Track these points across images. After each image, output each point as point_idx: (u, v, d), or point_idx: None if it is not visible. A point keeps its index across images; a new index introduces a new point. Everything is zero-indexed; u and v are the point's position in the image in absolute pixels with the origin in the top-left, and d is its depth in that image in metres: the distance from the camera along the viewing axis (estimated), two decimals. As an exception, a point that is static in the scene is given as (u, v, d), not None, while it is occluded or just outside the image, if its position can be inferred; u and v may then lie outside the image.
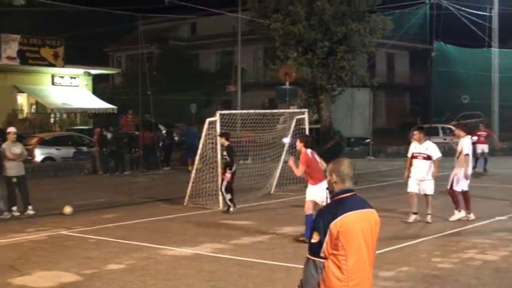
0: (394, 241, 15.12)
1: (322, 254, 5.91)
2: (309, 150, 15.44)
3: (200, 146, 22.09)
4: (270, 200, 22.61)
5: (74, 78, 52.99)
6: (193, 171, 22.15)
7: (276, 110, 26.86)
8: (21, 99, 51.78)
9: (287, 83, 31.44)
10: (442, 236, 15.90)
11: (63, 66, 49.89)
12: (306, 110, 25.31)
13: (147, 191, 26.14)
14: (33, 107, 52.56)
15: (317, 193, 14.94)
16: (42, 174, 31.28)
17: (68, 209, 19.91)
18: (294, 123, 24.83)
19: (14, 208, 19.90)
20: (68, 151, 36.45)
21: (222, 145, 20.83)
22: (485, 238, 15.51)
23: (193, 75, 65.94)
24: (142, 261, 13.62)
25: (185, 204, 21.68)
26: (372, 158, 39.94)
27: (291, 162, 15.67)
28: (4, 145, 20.21)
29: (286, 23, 25.79)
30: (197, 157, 22.11)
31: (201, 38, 71.71)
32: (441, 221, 17.66)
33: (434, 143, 18.51)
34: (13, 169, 19.86)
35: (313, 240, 5.95)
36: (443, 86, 52.54)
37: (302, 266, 10.79)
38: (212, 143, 21.74)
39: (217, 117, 21.68)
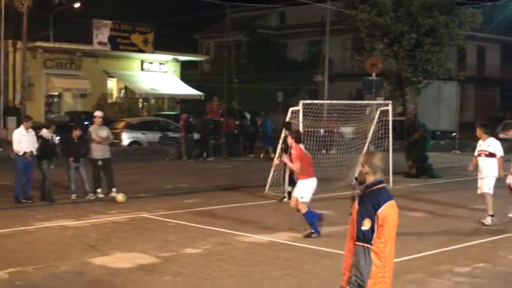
0: (471, 237, 15.01)
1: (372, 241, 6.20)
2: (301, 145, 15.44)
3: (282, 135, 22.19)
4: (352, 191, 22.49)
5: (163, 64, 53.78)
6: (275, 160, 22.21)
7: (359, 101, 26.73)
8: (111, 84, 52.86)
9: (374, 74, 31.23)
10: (522, 234, 15.65)
11: (152, 52, 50.72)
12: (390, 101, 25.15)
13: (229, 178, 26.40)
14: (122, 91, 53.57)
15: (305, 188, 14.92)
16: (128, 157, 31.86)
17: (120, 197, 19.59)
18: (377, 115, 24.71)
19: (99, 190, 20.38)
20: (154, 136, 37.08)
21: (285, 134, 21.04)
22: None
23: (281, 64, 66.00)
24: (219, 246, 13.82)
25: (266, 192, 21.84)
26: (458, 152, 39.41)
27: (286, 159, 15.74)
28: (91, 128, 20.73)
29: (372, 14, 25.58)
30: (279, 146, 22.20)
31: (289, 27, 71.60)
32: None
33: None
34: (99, 152, 20.35)
35: (365, 228, 6.26)
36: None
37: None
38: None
39: (300, 107, 21.76)
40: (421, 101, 30.59)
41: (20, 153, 19.21)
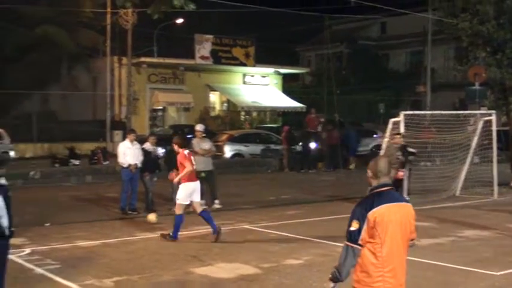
0: None
1: (360, 242, 6.53)
2: (185, 151, 15.87)
3: (384, 145, 22.11)
4: (454, 202, 22.26)
5: (264, 77, 54.19)
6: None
7: (460, 112, 26.35)
8: (214, 97, 53.57)
9: (477, 84, 30.75)
10: None
11: (254, 66, 51.19)
12: (494, 111, 24.72)
13: (330, 189, 26.43)
14: (225, 104, 54.20)
15: (182, 190, 15.66)
16: (231, 170, 32.21)
17: (151, 217, 18.56)
18: (481, 125, 24.34)
19: (202, 202, 20.64)
20: (255, 148, 37.35)
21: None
22: None
23: (383, 75, 65.58)
24: (320, 257, 13.86)
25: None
26: None
27: (173, 176, 16.37)
28: (193, 141, 21.07)
29: (474, 23, 25.27)
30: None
31: (390, 37, 71.09)
32: None
33: None
34: (201, 164, 20.61)
35: (352, 228, 6.59)
36: None
37: (481, 271, 10.74)
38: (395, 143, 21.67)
39: (401, 118, 21.65)
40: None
41: (125, 166, 19.75)
